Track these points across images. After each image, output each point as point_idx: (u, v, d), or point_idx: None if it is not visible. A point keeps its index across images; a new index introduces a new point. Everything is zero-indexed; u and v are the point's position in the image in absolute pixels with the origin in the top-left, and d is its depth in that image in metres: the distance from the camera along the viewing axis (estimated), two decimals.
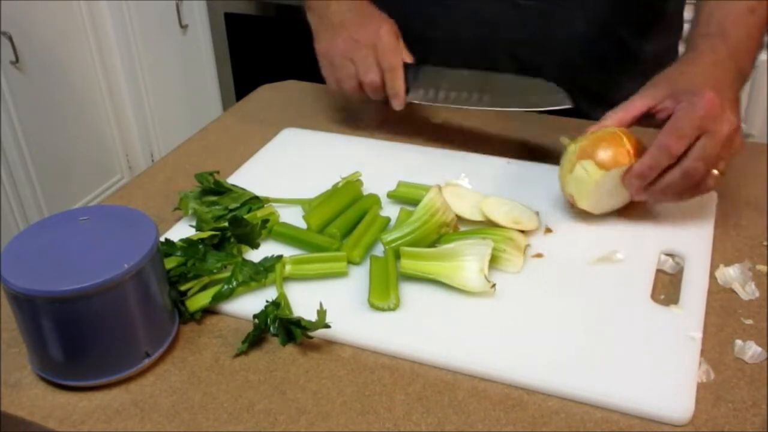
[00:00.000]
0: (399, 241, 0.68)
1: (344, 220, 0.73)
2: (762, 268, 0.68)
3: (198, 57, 2.44)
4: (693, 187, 0.69)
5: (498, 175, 0.82)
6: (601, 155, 0.70)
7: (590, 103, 0.95)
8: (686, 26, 0.96)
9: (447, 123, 0.95)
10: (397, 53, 0.86)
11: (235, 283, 0.64)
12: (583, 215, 0.75)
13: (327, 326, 0.60)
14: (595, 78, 0.97)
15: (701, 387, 0.56)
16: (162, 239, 0.66)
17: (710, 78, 0.70)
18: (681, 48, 1.03)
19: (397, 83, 0.86)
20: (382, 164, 0.85)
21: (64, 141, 2.02)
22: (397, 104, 0.87)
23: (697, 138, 0.66)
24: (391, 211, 0.76)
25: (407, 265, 0.66)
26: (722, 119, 0.67)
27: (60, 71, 1.98)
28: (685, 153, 0.67)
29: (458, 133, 0.93)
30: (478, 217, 0.73)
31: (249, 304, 0.64)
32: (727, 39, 0.74)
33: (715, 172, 0.68)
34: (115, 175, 2.25)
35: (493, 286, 0.64)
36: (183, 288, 0.64)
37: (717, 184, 0.69)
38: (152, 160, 2.31)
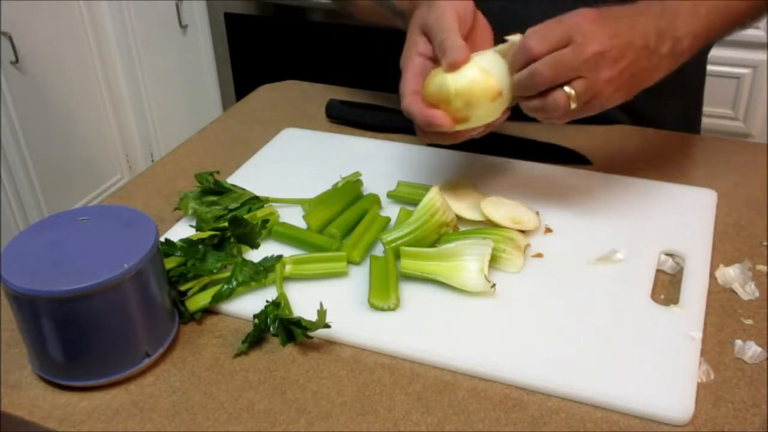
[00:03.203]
0: (399, 241, 0.68)
1: (344, 220, 0.73)
2: (762, 268, 0.68)
3: (198, 57, 2.44)
4: (542, 97, 0.65)
5: (498, 175, 0.82)
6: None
7: (632, 118, 0.95)
8: None
9: None
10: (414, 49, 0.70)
11: (235, 283, 0.64)
12: (583, 215, 0.75)
13: (327, 326, 0.60)
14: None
15: (701, 387, 0.56)
16: (162, 239, 0.66)
17: (608, 9, 0.65)
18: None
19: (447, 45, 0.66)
20: (382, 164, 0.85)
21: (64, 141, 2.02)
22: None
23: (563, 48, 0.64)
24: (391, 211, 0.76)
25: (407, 265, 0.66)
26: (592, 34, 0.63)
27: (60, 71, 1.98)
28: None
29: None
30: (478, 217, 0.73)
31: (249, 304, 0.64)
32: (665, 3, 0.68)
33: (567, 89, 0.64)
34: (115, 175, 2.25)
35: (493, 286, 0.64)
36: (183, 288, 0.64)
37: (566, 105, 0.64)
38: (152, 160, 2.31)
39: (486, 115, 0.67)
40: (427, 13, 0.69)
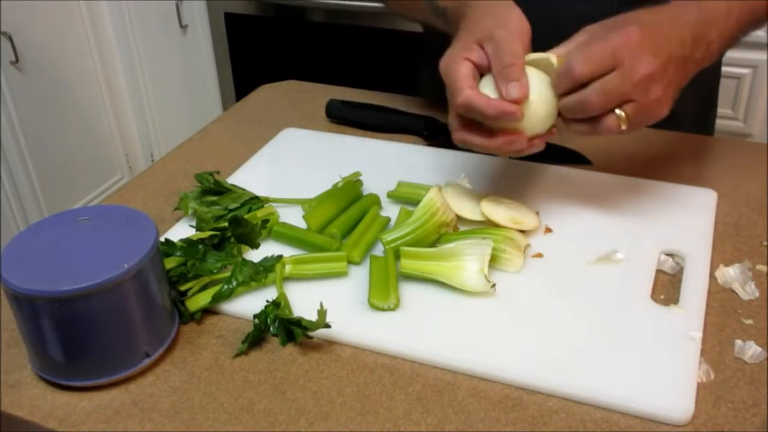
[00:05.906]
0: (399, 241, 0.68)
1: (344, 220, 0.73)
2: (762, 268, 0.68)
3: (198, 57, 2.44)
4: (591, 121, 0.65)
5: (498, 175, 0.82)
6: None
7: None
8: None
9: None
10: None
11: (235, 283, 0.64)
12: (583, 215, 0.75)
13: (327, 326, 0.60)
14: None
15: (701, 387, 0.56)
16: (162, 239, 0.66)
17: (647, 19, 0.64)
18: None
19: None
20: (382, 164, 0.85)
21: (64, 141, 2.02)
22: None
23: (609, 71, 0.63)
24: (391, 211, 0.76)
25: (407, 265, 0.66)
26: (639, 57, 0.62)
27: (60, 71, 1.98)
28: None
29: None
30: (478, 217, 0.73)
31: (249, 304, 0.64)
32: (702, 5, 0.68)
33: (619, 112, 0.63)
34: (115, 175, 2.25)
35: (493, 286, 0.64)
36: (183, 288, 0.64)
37: (618, 128, 0.64)
38: (152, 160, 2.31)
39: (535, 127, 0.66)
40: (494, 25, 0.67)
